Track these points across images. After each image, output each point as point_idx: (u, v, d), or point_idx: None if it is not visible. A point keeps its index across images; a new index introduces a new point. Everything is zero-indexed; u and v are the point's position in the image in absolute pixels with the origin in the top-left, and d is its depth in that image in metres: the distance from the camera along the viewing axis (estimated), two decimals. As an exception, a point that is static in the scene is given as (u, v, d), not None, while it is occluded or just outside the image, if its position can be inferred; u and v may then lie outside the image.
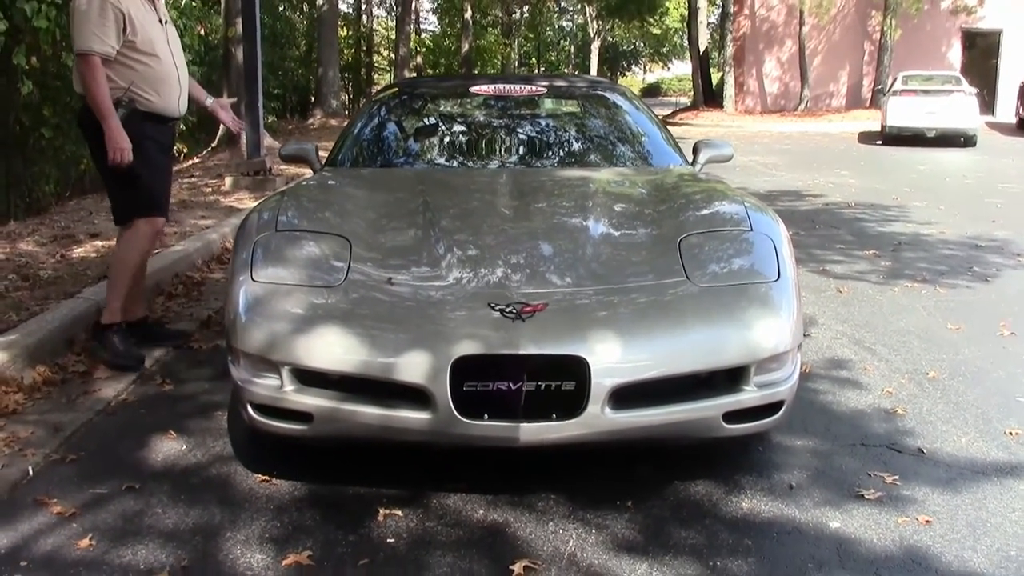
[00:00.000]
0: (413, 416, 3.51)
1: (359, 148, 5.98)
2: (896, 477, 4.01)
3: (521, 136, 6.10)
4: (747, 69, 37.05)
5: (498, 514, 3.67)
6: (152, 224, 5.49)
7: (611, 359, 3.49)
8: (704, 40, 42.66)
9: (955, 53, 34.35)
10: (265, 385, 3.70)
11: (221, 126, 20.25)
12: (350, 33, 41.88)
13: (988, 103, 31.46)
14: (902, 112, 23.20)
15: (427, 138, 6.23)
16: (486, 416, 3.46)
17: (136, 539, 3.47)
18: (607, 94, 6.72)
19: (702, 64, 40.71)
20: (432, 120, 6.46)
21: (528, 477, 3.95)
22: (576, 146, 6.10)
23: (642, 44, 72.71)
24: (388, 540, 3.47)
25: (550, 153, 5.99)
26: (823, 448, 4.33)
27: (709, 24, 47.91)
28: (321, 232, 4.27)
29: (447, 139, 6.17)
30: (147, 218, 5.45)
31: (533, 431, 3.47)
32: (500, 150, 5.95)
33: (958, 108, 22.94)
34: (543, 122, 6.42)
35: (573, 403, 3.47)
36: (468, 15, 44.11)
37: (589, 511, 3.69)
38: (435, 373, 3.44)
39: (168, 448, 4.29)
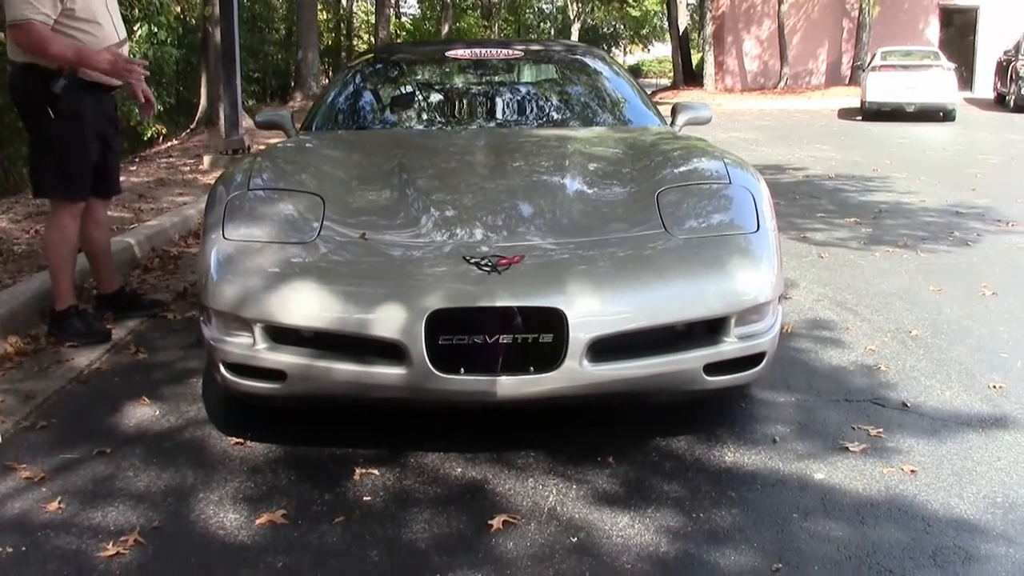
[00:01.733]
0: (388, 372, 3.44)
1: (334, 113, 5.88)
2: (880, 430, 3.96)
3: (498, 99, 6.01)
4: (726, 48, 36.98)
5: (477, 471, 3.61)
6: (72, 210, 5.23)
7: (589, 311, 3.43)
8: (684, 20, 42.58)
9: (933, 30, 34.31)
10: (237, 344, 3.63)
11: (200, 107, 20.18)
12: (330, 16, 41.62)
13: (966, 79, 31.47)
14: (882, 87, 23.15)
15: (403, 101, 6.14)
16: (462, 370, 3.40)
17: (106, 502, 3.39)
18: (584, 58, 6.63)
19: (682, 44, 40.64)
20: (408, 84, 6.37)
21: (507, 435, 3.88)
22: (553, 108, 6.01)
23: (622, 26, 72.43)
24: (365, 498, 3.40)
25: (527, 115, 5.90)
26: (806, 403, 4.28)
27: (688, 5, 47.77)
28: (294, 191, 4.19)
29: (423, 102, 6.09)
30: (67, 203, 5.21)
31: (510, 385, 3.41)
32: (477, 112, 5.87)
33: (937, 83, 22.90)
34: (520, 85, 6.33)
35: (551, 356, 3.41)
36: (447, -2, 43.87)
37: (569, 467, 3.64)
38: (410, 327, 3.38)
39: (141, 414, 4.21)
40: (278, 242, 3.78)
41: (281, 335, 3.58)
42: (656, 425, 3.99)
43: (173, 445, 3.88)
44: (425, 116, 5.93)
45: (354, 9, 46.88)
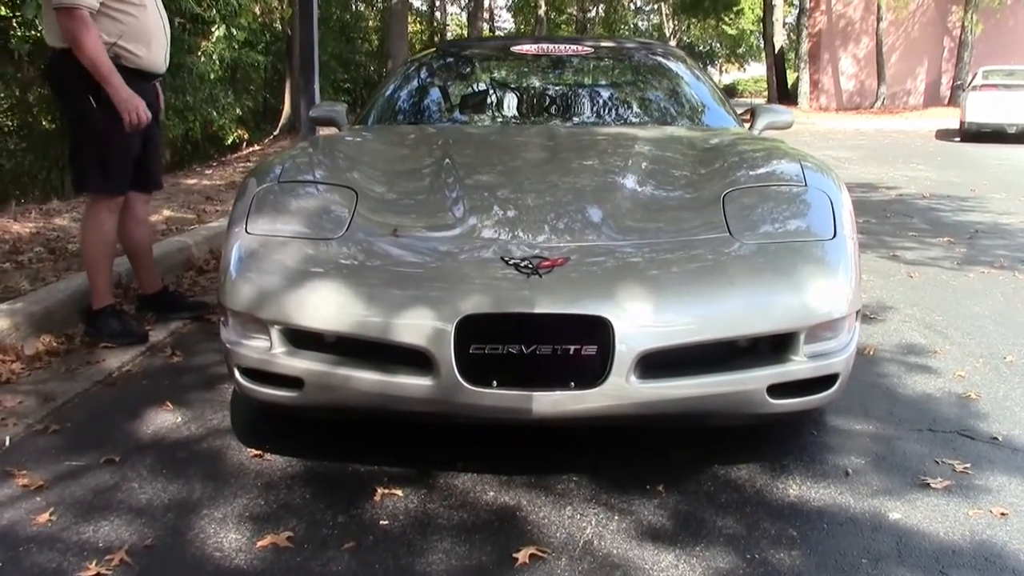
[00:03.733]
0: (414, 383, 3.11)
1: (390, 107, 5.58)
2: (967, 465, 3.53)
3: (562, 97, 5.64)
4: (822, 66, 36.29)
5: (510, 496, 3.25)
6: (110, 205, 4.99)
7: (639, 321, 3.06)
8: (780, 39, 41.89)
9: (1040, 51, 33.29)
10: (254, 347, 3.32)
11: (284, 113, 20.16)
12: (423, 27, 41.66)
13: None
14: (982, 107, 22.37)
15: (463, 96, 5.82)
16: (495, 383, 3.06)
17: (101, 515, 3.10)
18: (661, 58, 6.23)
19: (777, 62, 39.97)
20: (470, 79, 6.04)
21: (550, 457, 3.54)
22: (621, 107, 5.64)
23: (718, 44, 71.75)
24: (381, 522, 3.07)
25: (592, 114, 5.52)
26: (885, 433, 3.86)
27: (785, 24, 47.05)
28: (326, 183, 3.88)
29: (484, 98, 5.76)
30: (106, 197, 4.97)
31: (548, 402, 3.05)
32: (538, 110, 5.51)
33: (1042, 104, 22.10)
34: (588, 83, 5.95)
35: (594, 370, 3.05)
36: (542, 11, 43.71)
37: (614, 495, 3.27)
38: (438, 333, 3.04)
39: (162, 420, 3.93)
40: (303, 237, 3.47)
41: (299, 339, 3.27)
42: (716, 452, 3.61)
43: (187, 455, 3.59)
44: (484, 112, 5.58)
45: (447, 21, 46.90)
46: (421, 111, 5.60)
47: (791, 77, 41.68)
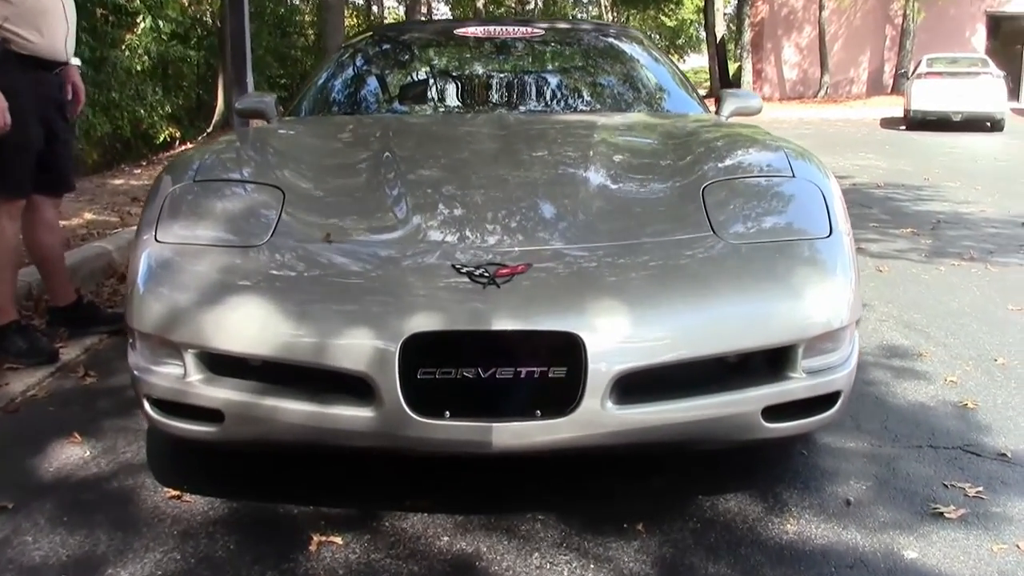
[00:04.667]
0: (353, 414, 2.67)
1: (323, 96, 5.09)
2: (980, 488, 3.14)
3: (511, 81, 5.17)
4: (765, 56, 36.13)
5: (467, 541, 2.81)
6: (10, 210, 4.46)
7: (615, 337, 2.64)
8: (721, 29, 41.69)
9: (979, 38, 33.32)
10: (165, 374, 2.86)
11: (217, 110, 19.53)
12: (359, 21, 40.98)
13: (1013, 90, 30.45)
14: (928, 95, 22.21)
15: (401, 83, 5.33)
16: (447, 413, 2.62)
17: (-16, 579, 2.62)
18: (617, 40, 5.77)
19: (719, 52, 39.74)
20: (409, 64, 5.55)
21: (511, 490, 3.10)
22: (578, 93, 5.19)
23: (658, 36, 71.58)
24: (318, 578, 2.61)
25: (547, 101, 5.07)
26: (882, 451, 3.46)
27: (726, 15, 46.90)
28: (249, 181, 3.40)
29: (423, 84, 5.29)
30: (3, 201, 4.44)
31: (511, 433, 2.62)
32: (487, 97, 5.05)
33: (986, 91, 21.95)
34: (541, 68, 5.47)
35: (564, 395, 2.63)
36: (480, 4, 43.22)
37: (587, 537, 2.83)
38: (380, 356, 2.60)
39: (67, 455, 3.44)
40: (222, 245, 3.00)
41: (219, 365, 2.80)
42: (699, 479, 3.20)
43: (94, 497, 3.11)
44: (426, 101, 5.11)
45: (385, 15, 46.28)
46: (357, 101, 5.11)
47: (732, 67, 41.48)
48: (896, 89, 30.30)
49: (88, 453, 3.46)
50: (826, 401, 2.91)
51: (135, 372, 2.94)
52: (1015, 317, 5.35)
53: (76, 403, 4.00)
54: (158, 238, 3.04)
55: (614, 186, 3.42)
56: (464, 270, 2.79)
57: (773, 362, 2.84)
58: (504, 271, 2.77)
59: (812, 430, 3.04)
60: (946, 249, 7.46)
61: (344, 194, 3.42)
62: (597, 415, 2.63)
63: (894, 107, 26.55)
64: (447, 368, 2.63)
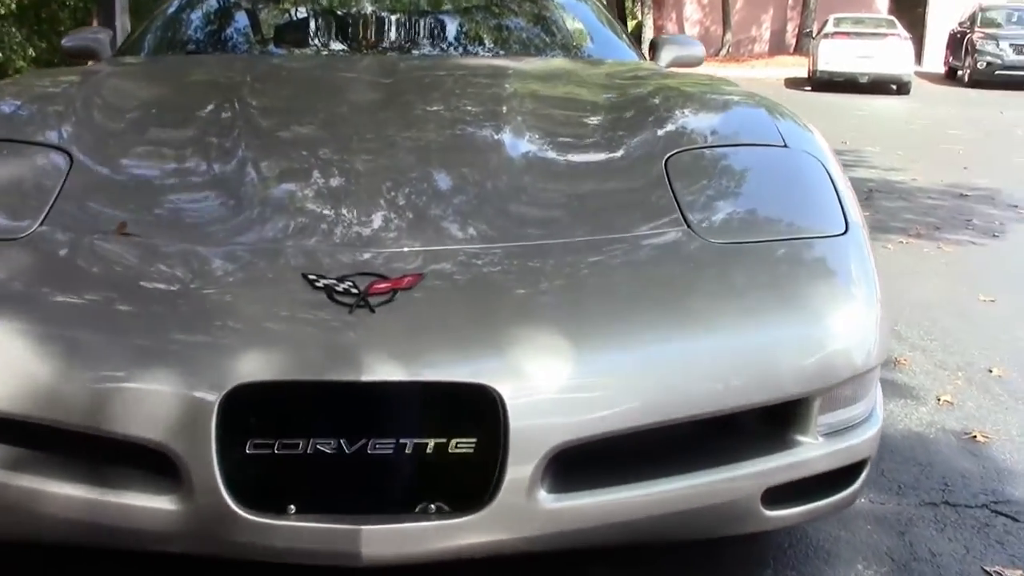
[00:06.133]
0: (147, 506, 1.74)
1: (171, 30, 3.97)
2: (1034, 577, 2.31)
3: (400, 18, 4.05)
4: (666, 12, 35.37)
5: None
6: None
7: (550, 390, 1.73)
8: (620, -17, 40.87)
9: (883, 0, 32.94)
10: None
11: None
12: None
13: (915, 52, 30.16)
14: (834, 56, 21.53)
15: (269, 18, 4.23)
16: (292, 508, 1.70)
17: None
18: None
19: (618, 7, 38.89)
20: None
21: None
22: (484, 31, 4.14)
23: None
24: None
25: (440, 38, 3.99)
26: (889, 511, 2.61)
27: (625, -32, 46.04)
28: (23, 142, 2.37)
29: (295, 20, 4.21)
30: None
31: (390, 538, 1.72)
32: (366, 34, 3.96)
33: (893, 52, 21.34)
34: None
35: (473, 481, 1.73)
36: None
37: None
38: (188, 418, 1.68)
39: None
40: (-40, 238, 2.00)
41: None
42: (653, 568, 2.29)
43: None
44: (296, 39, 4.00)
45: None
46: (213, 36, 3.99)
47: (631, 24, 40.72)
48: (799, 49, 29.72)
49: None
50: (847, 474, 2.03)
51: None
52: (993, 311, 4.57)
53: None
54: None
55: (540, 155, 2.44)
56: (321, 283, 1.84)
57: (777, 422, 1.95)
58: (381, 285, 1.83)
59: (827, 515, 2.16)
60: (889, 224, 6.68)
61: (159, 163, 2.41)
62: (522, 509, 1.73)
63: (798, 67, 25.97)
64: (292, 438, 1.70)
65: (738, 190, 2.31)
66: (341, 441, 1.69)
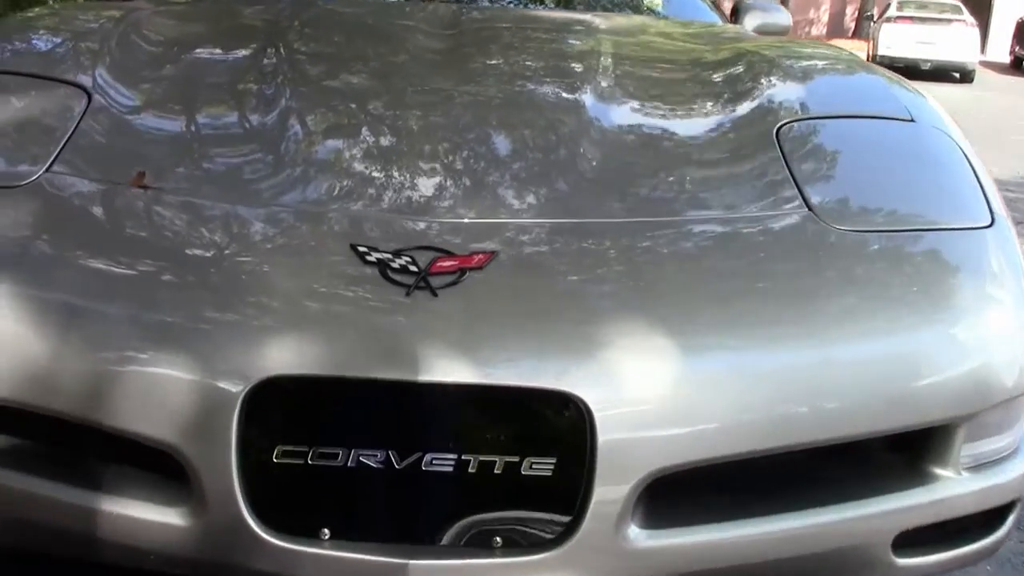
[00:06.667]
0: (151, 520, 1.45)
1: None
2: None
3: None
4: (719, -3, 34.93)
5: None
6: None
7: (646, 401, 1.42)
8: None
9: (948, -16, 32.32)
10: None
11: None
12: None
13: (979, 40, 29.59)
14: (896, 40, 21.05)
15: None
16: (327, 532, 1.40)
17: None
18: None
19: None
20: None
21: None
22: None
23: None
24: None
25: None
26: (1013, 551, 2.26)
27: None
28: (35, 75, 2.05)
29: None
30: None
31: (446, 576, 1.40)
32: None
33: (958, 39, 20.82)
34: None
35: (550, 510, 1.42)
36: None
37: None
38: (204, 415, 1.39)
39: None
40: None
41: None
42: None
43: None
44: None
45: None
46: None
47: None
48: (858, 33, 29.16)
49: None
50: (992, 517, 1.69)
51: None
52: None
53: None
54: None
55: (630, 120, 2.11)
56: (374, 257, 1.52)
57: (913, 452, 1.62)
58: (446, 263, 1.52)
59: (966, 565, 1.81)
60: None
61: (189, 108, 2.08)
62: (608, 548, 1.42)
63: (856, 52, 25.43)
64: (330, 447, 1.40)
65: (862, 169, 1.96)
66: (390, 453, 1.38)
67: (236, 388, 1.37)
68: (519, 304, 1.49)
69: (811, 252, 1.69)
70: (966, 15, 22.09)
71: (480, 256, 1.53)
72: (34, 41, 2.34)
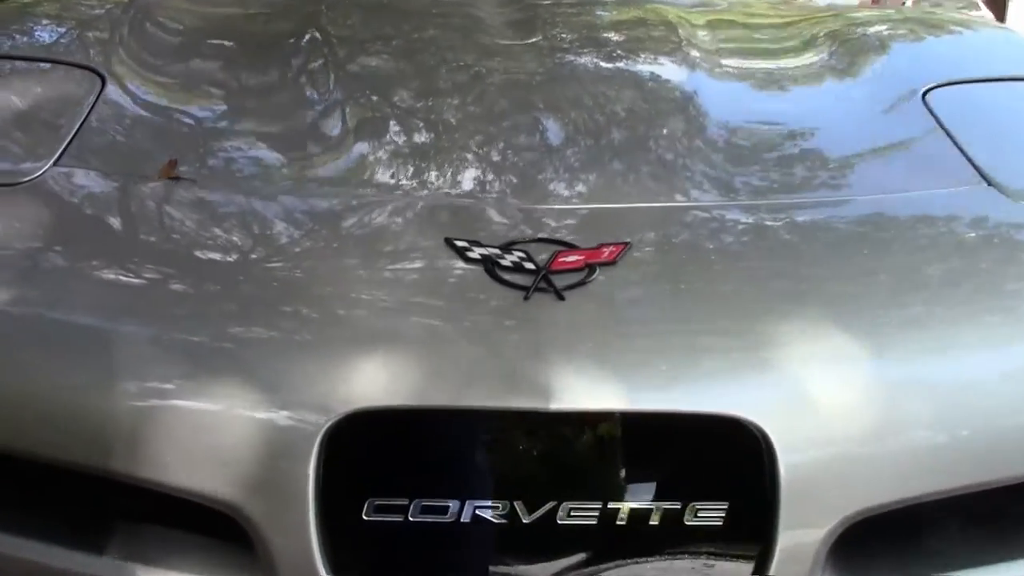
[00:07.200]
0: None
1: None
2: None
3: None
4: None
5: None
6: None
7: (839, 429, 1.12)
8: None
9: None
10: None
11: None
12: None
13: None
14: None
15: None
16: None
17: None
18: None
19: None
20: None
21: None
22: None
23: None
24: None
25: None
26: None
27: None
28: (46, 59, 1.75)
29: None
30: None
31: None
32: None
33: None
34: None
35: (723, 569, 1.12)
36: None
37: None
38: (271, 462, 1.08)
39: None
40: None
41: None
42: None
43: None
44: None
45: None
46: None
47: None
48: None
49: None
50: None
51: None
52: None
53: None
54: None
55: (748, 92, 1.80)
56: (477, 253, 1.22)
57: None
58: (569, 258, 1.21)
59: None
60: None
61: (221, 91, 1.77)
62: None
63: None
64: (437, 499, 1.10)
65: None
66: (515, 504, 1.07)
67: (312, 425, 1.06)
68: (664, 308, 1.18)
69: (1006, 235, 1.38)
70: (984, 10, 21.86)
71: (611, 249, 1.22)
72: (39, 25, 2.05)
